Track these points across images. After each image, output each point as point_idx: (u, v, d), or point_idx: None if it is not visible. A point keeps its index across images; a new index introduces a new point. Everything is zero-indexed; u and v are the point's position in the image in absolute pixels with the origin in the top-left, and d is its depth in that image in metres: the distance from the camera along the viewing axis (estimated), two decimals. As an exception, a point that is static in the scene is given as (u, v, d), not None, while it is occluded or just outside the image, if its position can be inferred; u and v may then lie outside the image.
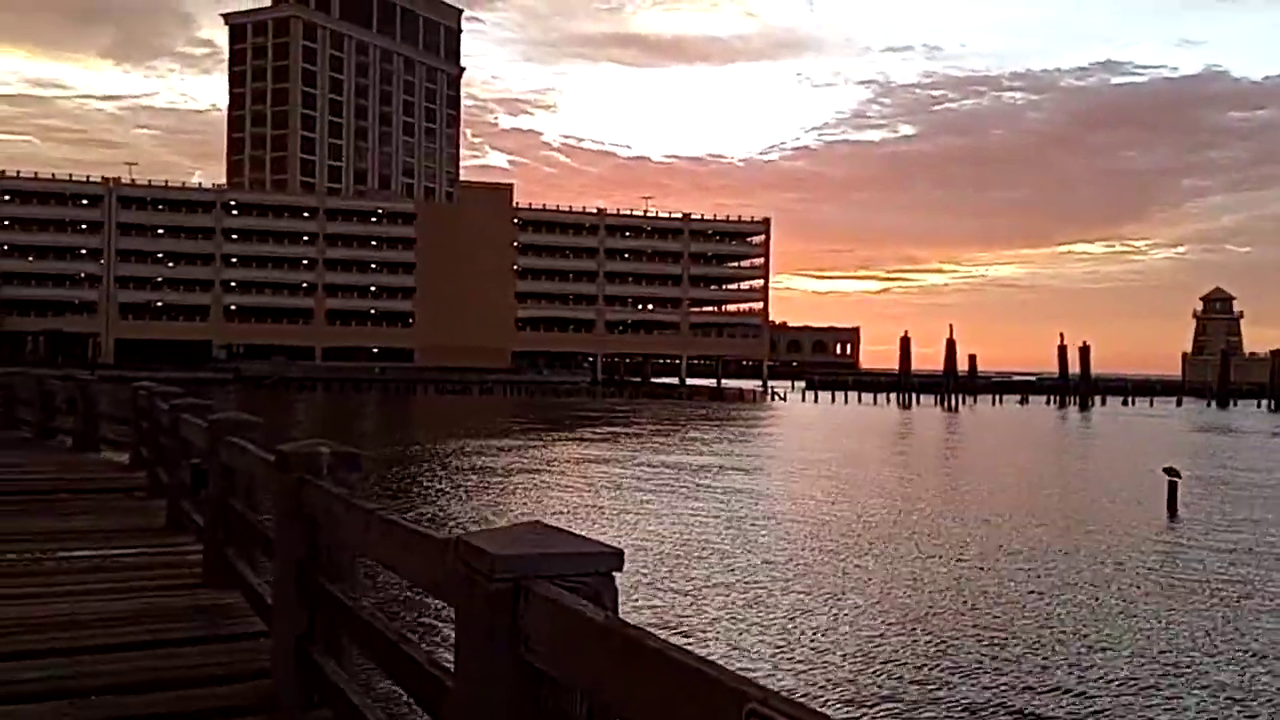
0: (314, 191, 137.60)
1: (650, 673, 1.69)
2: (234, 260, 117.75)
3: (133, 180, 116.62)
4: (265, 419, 7.19)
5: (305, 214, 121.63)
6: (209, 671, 4.79)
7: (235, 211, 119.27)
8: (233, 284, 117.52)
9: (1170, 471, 24.34)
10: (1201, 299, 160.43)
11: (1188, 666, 11.68)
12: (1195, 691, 10.82)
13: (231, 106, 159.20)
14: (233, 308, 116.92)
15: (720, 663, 1.59)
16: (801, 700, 1.37)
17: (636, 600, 13.87)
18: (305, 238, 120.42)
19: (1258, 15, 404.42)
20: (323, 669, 3.76)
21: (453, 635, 2.38)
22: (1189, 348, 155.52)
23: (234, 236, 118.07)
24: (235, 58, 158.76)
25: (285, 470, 4.16)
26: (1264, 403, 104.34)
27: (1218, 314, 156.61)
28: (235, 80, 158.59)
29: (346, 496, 3.61)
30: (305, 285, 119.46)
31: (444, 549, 2.52)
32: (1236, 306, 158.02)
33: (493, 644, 2.18)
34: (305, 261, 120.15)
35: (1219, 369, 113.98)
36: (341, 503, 3.57)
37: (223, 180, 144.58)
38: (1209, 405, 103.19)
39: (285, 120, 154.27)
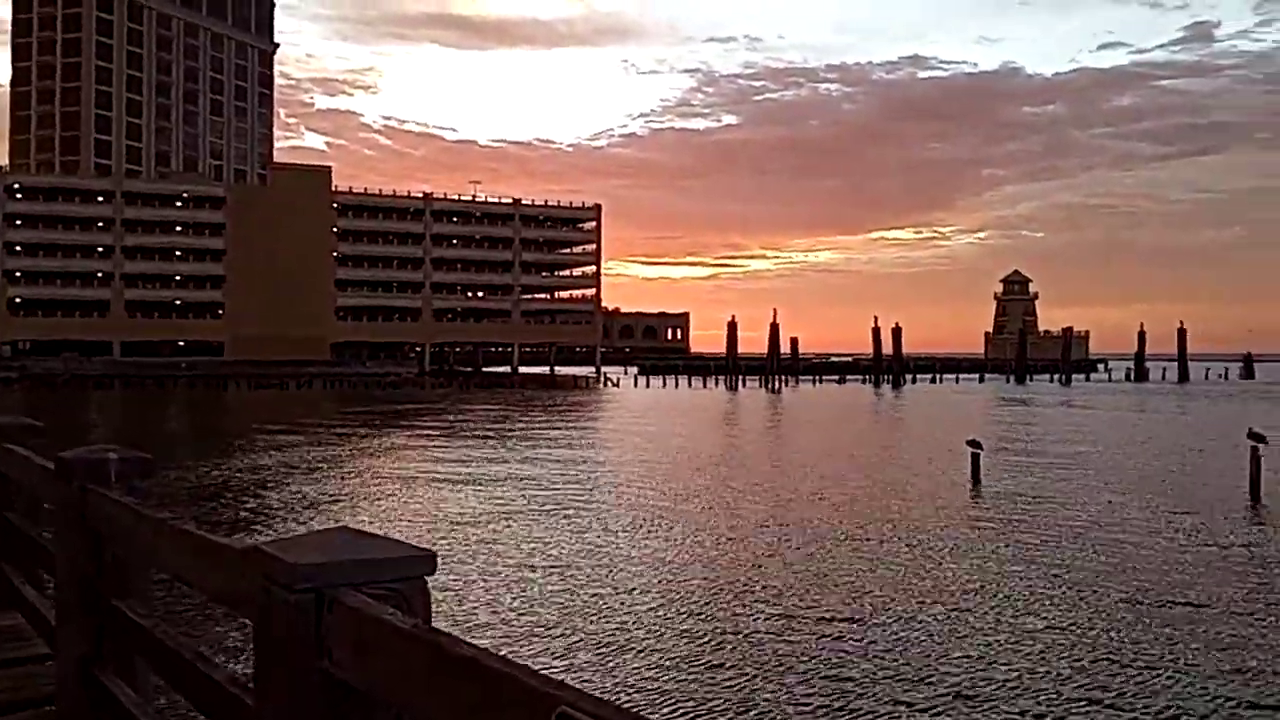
0: (110, 174, 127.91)
1: (459, 680, 1.63)
2: (18, 248, 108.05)
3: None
4: (53, 422, 6.64)
5: (100, 198, 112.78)
6: (-14, 701, 4.37)
7: (19, 195, 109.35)
8: (17, 274, 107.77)
9: (973, 444, 26.13)
10: (1001, 281, 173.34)
11: (986, 586, 14.82)
12: (989, 600, 13.97)
13: (15, 82, 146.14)
14: (17, 300, 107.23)
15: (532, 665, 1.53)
16: (612, 700, 1.34)
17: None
18: (100, 224, 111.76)
19: (1049, 16, 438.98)
20: (112, 692, 3.47)
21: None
22: (991, 327, 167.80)
23: (18, 223, 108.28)
24: (20, 28, 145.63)
25: (67, 479, 3.81)
26: (1056, 377, 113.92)
27: (1016, 295, 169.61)
28: (20, 53, 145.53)
29: (136, 505, 3.33)
30: (101, 275, 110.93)
31: (242, 558, 2.36)
32: (1032, 288, 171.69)
33: (294, 659, 2.04)
34: (100, 249, 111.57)
35: (1017, 347, 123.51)
36: (130, 512, 3.29)
37: (4, 161, 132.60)
38: (1008, 381, 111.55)
39: (77, 97, 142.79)
